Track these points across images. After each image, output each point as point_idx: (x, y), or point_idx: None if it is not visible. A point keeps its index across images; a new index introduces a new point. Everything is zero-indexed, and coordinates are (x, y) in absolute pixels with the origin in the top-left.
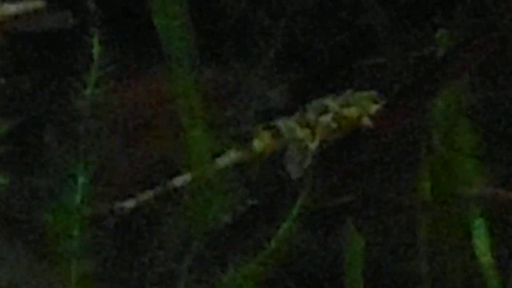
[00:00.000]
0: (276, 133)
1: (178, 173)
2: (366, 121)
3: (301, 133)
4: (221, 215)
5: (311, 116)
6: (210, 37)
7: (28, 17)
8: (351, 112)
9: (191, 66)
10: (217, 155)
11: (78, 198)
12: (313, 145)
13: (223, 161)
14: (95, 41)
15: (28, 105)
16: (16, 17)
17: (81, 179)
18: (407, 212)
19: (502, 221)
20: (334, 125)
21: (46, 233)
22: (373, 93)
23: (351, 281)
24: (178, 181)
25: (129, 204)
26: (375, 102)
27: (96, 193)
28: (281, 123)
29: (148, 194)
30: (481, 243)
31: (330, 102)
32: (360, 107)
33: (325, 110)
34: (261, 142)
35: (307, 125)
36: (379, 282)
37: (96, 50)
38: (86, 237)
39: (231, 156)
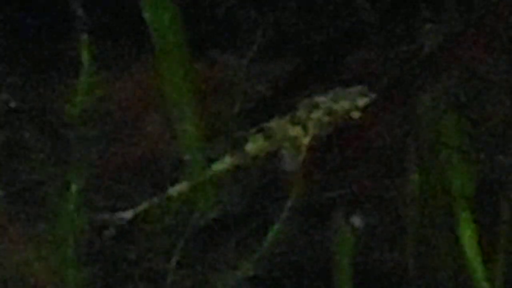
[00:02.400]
0: (269, 135)
1: (170, 171)
2: (355, 114)
3: (293, 131)
4: (209, 212)
5: (302, 113)
6: (199, 30)
7: None
8: (341, 106)
9: (181, 60)
10: (211, 159)
11: (71, 207)
12: (305, 141)
13: (218, 167)
14: (85, 47)
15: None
16: None
17: (74, 187)
18: (395, 205)
19: (488, 214)
20: (325, 120)
21: (42, 241)
22: (362, 87)
23: (340, 275)
24: (174, 190)
25: (127, 215)
26: (365, 96)
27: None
28: (273, 124)
29: (145, 205)
30: (468, 236)
31: (321, 99)
32: (350, 101)
33: (315, 106)
34: (255, 146)
35: (299, 122)
36: (368, 276)
37: (85, 56)
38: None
39: (226, 161)
